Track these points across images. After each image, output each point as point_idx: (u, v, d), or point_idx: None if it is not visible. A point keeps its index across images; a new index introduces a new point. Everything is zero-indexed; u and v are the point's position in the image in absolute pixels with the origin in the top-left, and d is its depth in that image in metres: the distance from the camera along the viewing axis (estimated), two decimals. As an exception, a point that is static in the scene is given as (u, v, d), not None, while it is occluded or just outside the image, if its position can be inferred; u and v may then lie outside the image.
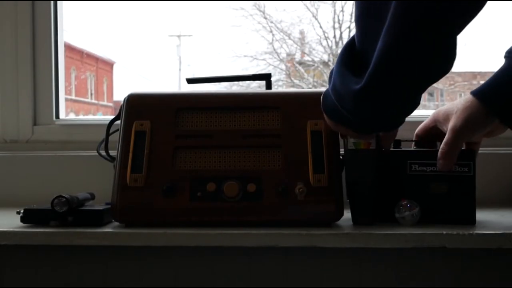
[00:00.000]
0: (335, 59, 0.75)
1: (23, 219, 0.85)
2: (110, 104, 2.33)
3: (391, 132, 0.83)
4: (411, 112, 0.73)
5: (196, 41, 2.08)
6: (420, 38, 0.61)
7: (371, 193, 0.83)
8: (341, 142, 0.87)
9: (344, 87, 0.70)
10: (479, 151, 0.85)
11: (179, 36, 2.17)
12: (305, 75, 2.06)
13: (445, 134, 0.80)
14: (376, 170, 0.83)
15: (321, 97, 0.82)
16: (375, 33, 0.63)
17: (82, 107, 2.22)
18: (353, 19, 1.84)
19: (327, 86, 0.78)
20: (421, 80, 0.66)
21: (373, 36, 0.64)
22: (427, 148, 0.87)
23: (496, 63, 0.79)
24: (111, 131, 0.95)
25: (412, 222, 0.82)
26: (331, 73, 0.75)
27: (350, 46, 0.72)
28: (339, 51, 0.74)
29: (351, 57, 0.71)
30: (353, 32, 0.71)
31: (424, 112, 1.24)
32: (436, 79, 0.66)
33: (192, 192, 0.84)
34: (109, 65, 2.35)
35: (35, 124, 1.23)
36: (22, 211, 0.85)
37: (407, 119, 0.83)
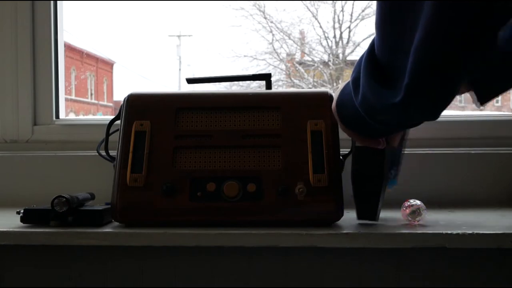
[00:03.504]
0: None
1: (23, 219, 0.85)
2: (110, 104, 2.33)
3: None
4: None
5: (196, 41, 2.08)
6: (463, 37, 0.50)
7: (376, 191, 0.82)
8: (341, 143, 0.88)
9: (379, 101, 0.64)
10: (480, 151, 0.85)
11: (179, 36, 2.17)
12: (305, 75, 2.06)
13: None
14: (383, 168, 0.82)
15: (335, 106, 0.77)
16: (401, 40, 0.56)
17: (82, 107, 2.22)
18: (353, 19, 1.84)
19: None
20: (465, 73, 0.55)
21: (399, 43, 0.56)
22: None
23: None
24: (111, 131, 0.95)
25: None
26: (355, 84, 0.68)
27: (373, 55, 0.64)
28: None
29: (377, 68, 0.64)
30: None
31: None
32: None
33: (192, 192, 0.84)
34: (109, 65, 2.35)
35: (35, 124, 1.23)
36: (22, 211, 0.85)
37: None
